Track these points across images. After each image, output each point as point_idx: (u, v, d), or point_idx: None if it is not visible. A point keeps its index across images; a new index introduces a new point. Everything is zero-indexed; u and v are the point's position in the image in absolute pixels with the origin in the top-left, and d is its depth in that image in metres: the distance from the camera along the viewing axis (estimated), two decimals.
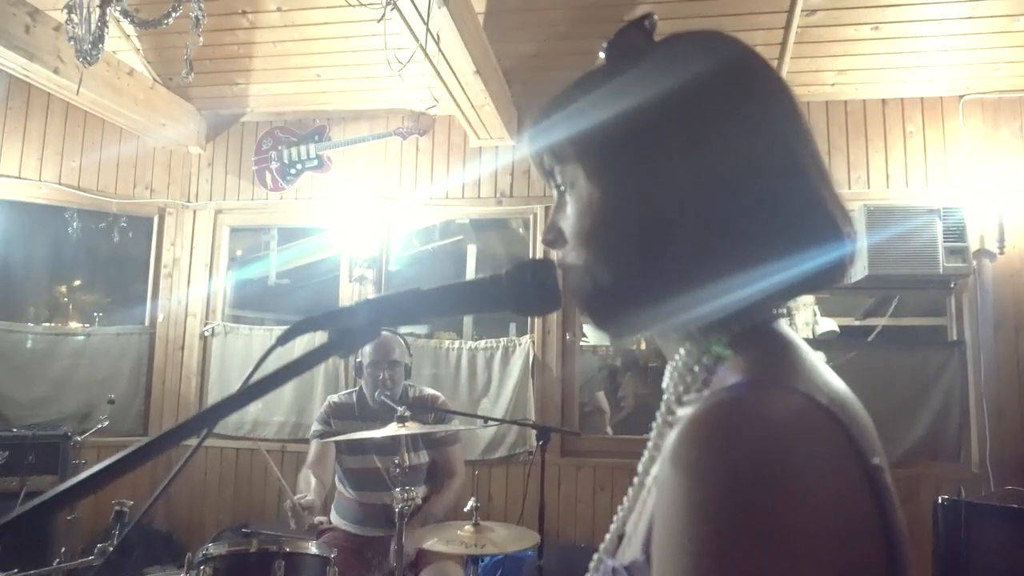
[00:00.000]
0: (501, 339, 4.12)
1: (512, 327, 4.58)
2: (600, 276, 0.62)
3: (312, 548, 2.12)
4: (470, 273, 5.09)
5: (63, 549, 2.40)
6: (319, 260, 4.72)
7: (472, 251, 5.11)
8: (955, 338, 3.81)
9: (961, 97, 3.80)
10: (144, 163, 4.47)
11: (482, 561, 2.52)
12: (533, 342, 4.01)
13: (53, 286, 5.01)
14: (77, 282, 5.05)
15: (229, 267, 4.50)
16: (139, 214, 4.50)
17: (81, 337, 4.35)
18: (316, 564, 2.08)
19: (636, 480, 0.67)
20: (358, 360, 3.06)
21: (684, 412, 0.59)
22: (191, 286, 4.44)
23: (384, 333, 3.08)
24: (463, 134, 4.16)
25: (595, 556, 0.67)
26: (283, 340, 0.85)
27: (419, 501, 2.30)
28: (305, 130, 4.37)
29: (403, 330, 3.21)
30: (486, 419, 3.29)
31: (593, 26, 3.73)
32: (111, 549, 2.27)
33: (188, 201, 4.51)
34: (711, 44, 0.64)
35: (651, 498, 0.58)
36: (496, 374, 4.04)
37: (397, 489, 2.24)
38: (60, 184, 4.21)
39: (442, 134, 4.28)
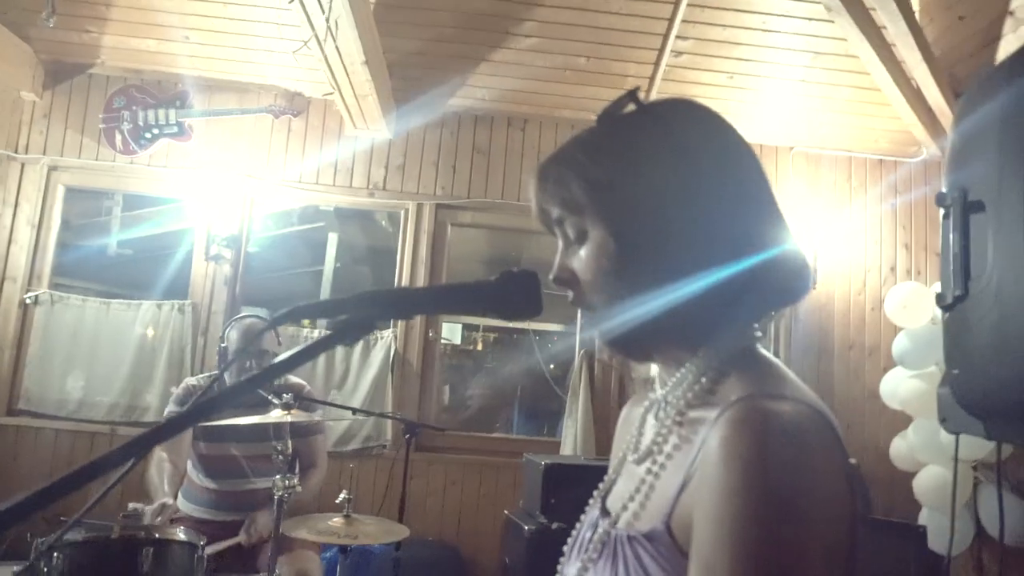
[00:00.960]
0: None
1: None
2: (621, 306, 0.74)
3: (180, 535, 2.02)
4: (329, 261, 4.99)
5: None
6: (168, 232, 4.40)
7: (333, 239, 5.01)
8: None
9: (791, 148, 4.34)
10: None
11: (343, 551, 2.52)
12: (396, 337, 4.02)
13: None
14: None
15: (61, 230, 4.07)
16: None
17: None
18: (185, 551, 1.98)
19: (626, 463, 0.81)
20: (222, 345, 2.92)
21: (697, 415, 0.71)
22: (12, 247, 3.96)
23: (251, 320, 2.97)
24: (339, 120, 4.09)
25: (583, 528, 0.80)
26: (271, 327, 0.87)
27: (299, 489, 2.27)
28: (165, 94, 4.06)
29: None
30: (354, 410, 3.26)
31: (477, 33, 3.84)
32: None
33: (16, 152, 4.02)
34: (693, 111, 0.79)
35: (660, 481, 0.71)
36: (355, 366, 4.01)
37: (277, 476, 2.20)
38: None
39: (316, 117, 4.17)
